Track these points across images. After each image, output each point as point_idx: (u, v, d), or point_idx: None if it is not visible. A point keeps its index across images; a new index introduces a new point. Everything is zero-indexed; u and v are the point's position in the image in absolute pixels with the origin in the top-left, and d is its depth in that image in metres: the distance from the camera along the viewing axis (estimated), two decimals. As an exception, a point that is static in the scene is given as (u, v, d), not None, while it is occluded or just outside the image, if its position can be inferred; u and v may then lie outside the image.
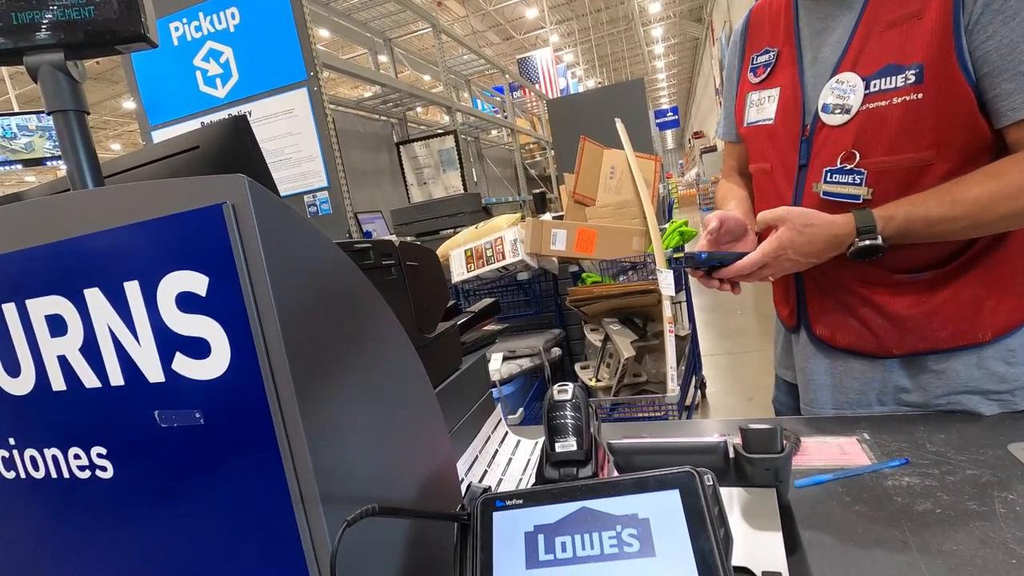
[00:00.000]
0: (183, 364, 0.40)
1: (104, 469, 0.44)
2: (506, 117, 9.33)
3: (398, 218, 3.98)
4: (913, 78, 0.77)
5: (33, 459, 0.46)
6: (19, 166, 5.19)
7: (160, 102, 3.56)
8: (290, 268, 0.40)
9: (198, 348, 0.39)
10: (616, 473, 0.64)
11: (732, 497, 0.66)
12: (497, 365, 2.11)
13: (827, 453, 0.80)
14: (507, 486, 0.83)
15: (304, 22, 3.19)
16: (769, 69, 0.95)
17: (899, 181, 0.81)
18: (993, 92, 0.75)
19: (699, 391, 3.13)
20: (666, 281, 1.96)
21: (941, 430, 0.81)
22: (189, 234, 0.38)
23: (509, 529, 0.46)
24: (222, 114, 3.41)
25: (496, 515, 0.47)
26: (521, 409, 2.14)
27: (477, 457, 0.84)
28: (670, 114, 22.97)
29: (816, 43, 0.89)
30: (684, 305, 2.89)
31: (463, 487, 0.64)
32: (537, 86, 12.21)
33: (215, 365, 0.39)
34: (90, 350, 0.42)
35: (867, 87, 0.80)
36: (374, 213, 4.02)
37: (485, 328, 1.06)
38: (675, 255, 0.90)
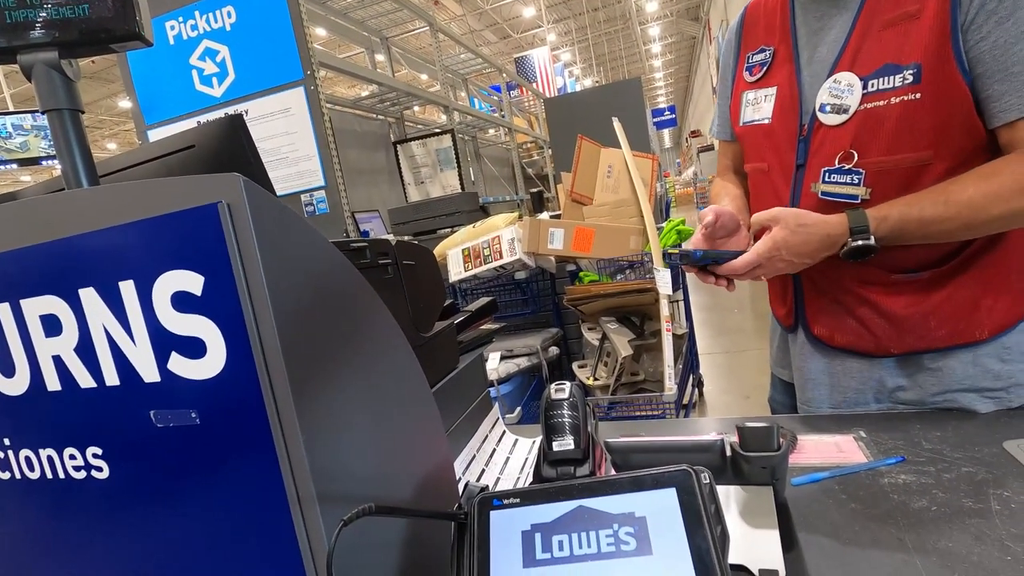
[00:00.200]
0: (179, 364, 0.40)
1: (100, 469, 0.44)
2: (503, 116, 9.33)
3: (395, 217, 3.97)
4: (911, 78, 0.77)
5: (28, 459, 0.46)
6: (14, 165, 5.16)
7: (156, 101, 3.55)
8: (286, 267, 0.40)
9: (194, 348, 0.39)
10: (613, 472, 0.64)
11: (729, 495, 0.67)
12: (494, 364, 2.11)
13: (824, 451, 0.80)
14: (504, 485, 0.83)
15: (300, 21, 3.18)
16: (765, 68, 0.95)
17: (897, 181, 0.81)
18: (985, 93, 0.75)
19: (696, 390, 3.13)
20: (663, 280, 1.96)
21: (937, 428, 0.81)
22: (185, 233, 0.38)
23: (506, 528, 0.46)
24: (218, 113, 3.40)
25: (493, 514, 0.47)
26: (519, 408, 2.14)
27: (475, 456, 0.84)
28: (667, 113, 22.99)
29: (813, 42, 0.89)
30: (681, 304, 2.90)
31: (460, 486, 0.64)
32: (534, 85, 12.20)
33: (211, 365, 0.39)
34: (85, 350, 0.42)
35: (865, 87, 0.80)
36: (371, 212, 4.02)
37: (482, 327, 1.06)
38: (670, 251, 0.90)
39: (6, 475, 0.48)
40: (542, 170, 9.72)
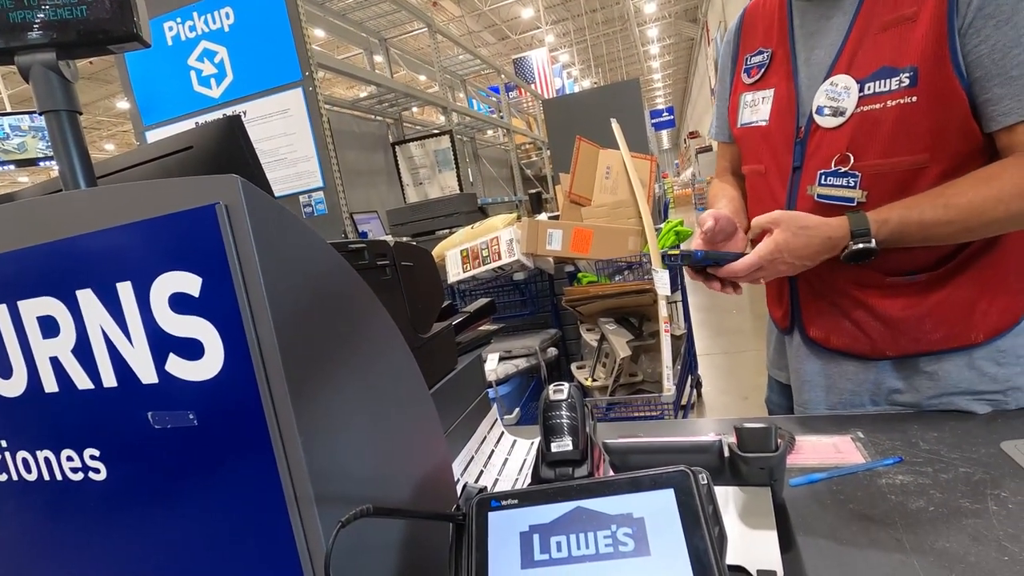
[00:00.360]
0: (176, 365, 0.40)
1: (97, 471, 0.44)
2: (502, 117, 9.34)
3: (394, 218, 3.97)
4: (907, 81, 0.77)
5: (25, 461, 0.46)
6: (12, 166, 5.15)
7: (154, 102, 3.54)
8: (284, 269, 0.40)
9: (191, 349, 0.39)
10: (612, 473, 0.64)
11: (727, 496, 0.67)
12: (493, 365, 2.11)
13: (821, 452, 0.80)
14: (503, 486, 0.83)
15: (299, 22, 3.18)
16: (763, 70, 0.95)
17: (893, 184, 0.81)
18: (984, 96, 0.75)
19: (695, 390, 3.14)
20: (662, 281, 1.96)
21: (934, 428, 0.81)
22: (182, 235, 0.38)
23: (504, 529, 0.46)
24: (216, 114, 3.39)
25: (491, 515, 0.47)
26: (517, 409, 2.14)
27: (473, 457, 0.84)
28: (666, 114, 23.03)
29: (810, 44, 0.89)
30: (680, 305, 2.90)
31: (459, 487, 0.64)
32: (533, 86, 12.21)
33: (209, 366, 0.39)
34: (83, 351, 0.42)
35: (861, 90, 0.80)
36: (370, 213, 4.02)
37: (481, 328, 1.06)
38: (671, 251, 0.90)
39: (3, 477, 0.48)
40: (540, 171, 9.73)
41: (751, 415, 1.38)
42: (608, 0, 16.79)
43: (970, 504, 0.63)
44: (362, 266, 0.66)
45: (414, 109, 6.64)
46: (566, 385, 0.60)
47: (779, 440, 0.62)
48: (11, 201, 0.46)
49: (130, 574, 0.45)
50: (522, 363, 2.18)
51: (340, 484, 0.42)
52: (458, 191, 5.32)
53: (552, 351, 2.40)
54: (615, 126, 2.48)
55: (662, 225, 2.46)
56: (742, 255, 0.84)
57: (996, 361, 0.84)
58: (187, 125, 3.46)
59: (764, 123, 0.94)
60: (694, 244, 0.91)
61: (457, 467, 0.78)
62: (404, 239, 3.52)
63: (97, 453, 0.44)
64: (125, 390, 0.41)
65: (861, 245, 0.78)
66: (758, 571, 0.54)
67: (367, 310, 0.50)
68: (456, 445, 0.81)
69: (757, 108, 0.95)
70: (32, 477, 0.46)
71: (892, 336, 0.88)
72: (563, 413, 0.57)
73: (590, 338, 2.26)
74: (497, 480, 0.85)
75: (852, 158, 0.82)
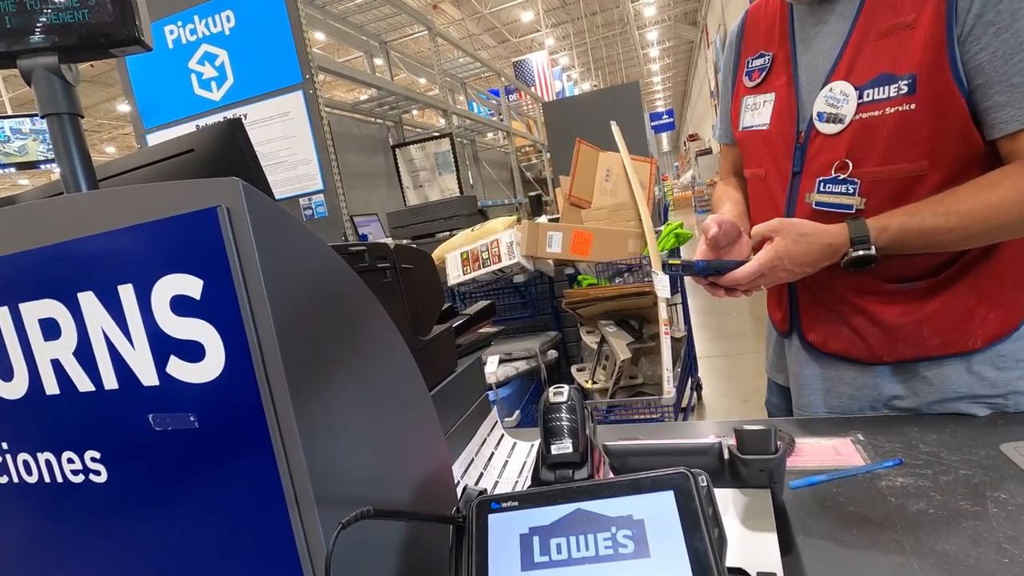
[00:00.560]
0: (177, 367, 0.40)
1: (98, 473, 0.44)
2: (502, 120, 9.35)
3: (394, 221, 3.98)
4: (906, 88, 0.76)
5: (26, 463, 0.46)
6: (12, 169, 5.16)
7: (155, 105, 3.54)
8: (285, 271, 0.40)
9: (192, 351, 0.39)
10: (612, 475, 0.64)
11: (727, 498, 0.67)
12: (493, 368, 2.11)
13: (821, 454, 0.80)
14: (503, 488, 0.83)
15: (299, 25, 3.19)
16: (764, 73, 0.95)
17: (892, 191, 0.81)
18: (986, 104, 0.75)
19: (695, 393, 3.13)
20: (662, 283, 1.96)
21: (934, 430, 0.81)
22: (184, 237, 0.38)
23: (505, 531, 0.46)
24: (217, 117, 3.40)
25: (492, 517, 0.47)
26: (517, 411, 2.14)
27: (473, 459, 0.84)
28: (665, 117, 23.04)
29: (810, 49, 0.89)
30: (680, 307, 2.90)
31: (459, 489, 0.64)
32: (533, 89, 12.23)
33: (210, 368, 0.39)
34: (84, 354, 0.42)
35: (860, 97, 0.80)
36: (370, 216, 4.02)
37: (481, 330, 1.06)
38: (670, 261, 0.90)
39: (4, 479, 0.48)
40: (540, 174, 9.73)
41: (751, 418, 1.38)
42: (608, 3, 16.82)
43: (970, 506, 0.63)
44: (362, 269, 0.66)
45: (414, 112, 6.64)
46: (566, 387, 0.60)
47: (779, 442, 0.62)
48: (12, 204, 0.46)
49: (130, 576, 0.45)
50: (522, 365, 2.18)
51: (340, 486, 0.42)
52: (458, 194, 5.32)
53: (552, 353, 2.40)
54: (615, 129, 2.49)
55: (662, 227, 2.46)
56: (743, 263, 0.84)
57: (996, 366, 0.84)
58: (188, 128, 3.47)
59: (765, 127, 0.94)
60: (698, 251, 0.91)
61: (457, 469, 0.78)
62: (404, 241, 3.53)
63: (98, 455, 0.44)
64: (126, 392, 0.42)
65: (861, 252, 0.78)
66: (758, 573, 0.54)
67: (367, 312, 0.50)
68: (456, 447, 0.82)
69: (758, 112, 0.95)
70: (33, 479, 0.46)
71: (890, 342, 0.87)
72: (563, 415, 0.58)
73: (590, 340, 2.26)
74: (497, 482, 0.85)
75: (851, 165, 0.82)
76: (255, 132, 3.29)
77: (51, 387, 0.44)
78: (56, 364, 0.43)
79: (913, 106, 0.76)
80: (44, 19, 0.47)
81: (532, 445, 0.96)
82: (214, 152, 0.58)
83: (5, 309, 0.44)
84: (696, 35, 19.61)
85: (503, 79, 9.82)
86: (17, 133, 5.05)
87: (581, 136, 2.45)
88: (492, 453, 0.91)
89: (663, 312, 1.98)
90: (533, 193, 5.24)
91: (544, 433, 0.57)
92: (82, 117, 0.50)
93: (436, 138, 5.58)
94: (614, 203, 2.39)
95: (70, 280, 0.41)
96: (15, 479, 0.47)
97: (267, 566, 0.41)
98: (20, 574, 0.49)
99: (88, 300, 0.41)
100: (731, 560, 0.56)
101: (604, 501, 0.46)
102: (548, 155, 8.27)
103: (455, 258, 2.39)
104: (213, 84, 3.41)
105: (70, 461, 0.45)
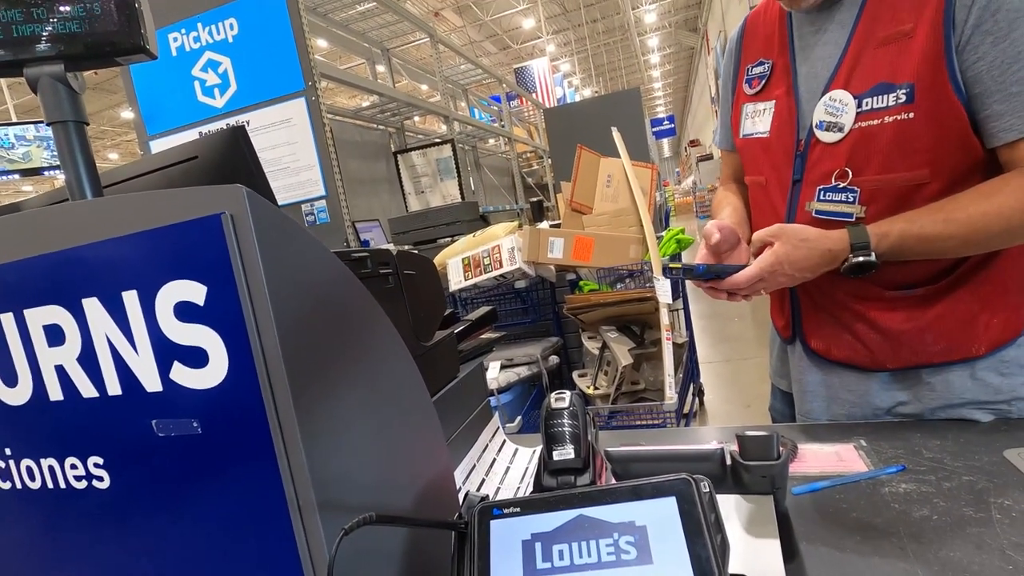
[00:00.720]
0: (181, 373, 0.40)
1: (101, 479, 0.44)
2: (503, 126, 9.38)
3: (396, 227, 3.99)
4: (904, 97, 0.76)
5: (29, 469, 0.46)
6: (16, 176, 5.18)
7: (158, 112, 3.56)
8: (288, 278, 0.40)
9: (196, 357, 0.39)
10: (614, 481, 0.64)
11: (729, 504, 0.66)
12: (495, 373, 2.11)
13: (824, 460, 0.80)
14: (505, 494, 0.83)
15: (302, 32, 3.21)
16: (764, 81, 0.95)
17: (892, 199, 0.81)
18: (984, 112, 0.75)
19: (697, 398, 3.13)
20: (663, 289, 1.96)
21: (937, 436, 0.81)
22: (187, 244, 0.38)
23: (506, 537, 0.46)
24: (220, 124, 3.42)
25: (493, 523, 0.47)
26: (519, 417, 2.14)
27: (475, 465, 0.84)
28: (666, 123, 23.10)
29: (809, 58, 0.89)
30: (681, 312, 2.90)
31: (461, 495, 0.64)
32: (534, 95, 12.28)
33: (213, 374, 0.39)
34: (88, 360, 0.42)
35: (859, 105, 0.80)
36: (372, 222, 4.03)
37: (482, 336, 1.06)
38: (671, 265, 0.90)
39: (7, 485, 0.48)
40: (542, 179, 9.75)
41: (754, 423, 1.37)
42: (609, 10, 16.90)
43: (974, 513, 0.63)
44: (365, 275, 0.66)
45: (416, 118, 6.67)
46: (568, 393, 0.60)
47: (781, 448, 0.62)
48: (17, 211, 0.47)
49: (133, 582, 0.45)
50: (524, 371, 2.18)
51: (343, 492, 0.42)
52: (460, 199, 5.33)
53: (554, 359, 2.39)
54: (616, 134, 2.50)
55: (663, 233, 2.46)
56: (744, 267, 0.85)
57: (999, 372, 0.84)
58: (191, 135, 3.48)
59: (765, 135, 0.94)
60: (699, 256, 0.91)
61: (459, 476, 0.78)
62: (406, 247, 3.53)
63: (101, 461, 0.44)
64: (130, 398, 0.42)
65: (861, 258, 0.78)
66: (761, 580, 0.54)
67: (370, 318, 0.50)
68: (458, 453, 0.81)
69: (758, 119, 0.95)
70: (36, 485, 0.46)
71: (892, 349, 0.87)
72: (565, 421, 0.58)
73: (592, 346, 2.26)
74: (499, 489, 0.85)
75: (851, 173, 0.82)
76: (258, 139, 3.30)
77: (55, 393, 0.44)
78: (60, 370, 0.43)
79: (912, 115, 0.76)
80: (50, 28, 0.47)
81: (534, 451, 0.95)
82: (218, 159, 0.58)
83: (10, 315, 0.44)
84: (697, 41, 19.69)
85: (504, 85, 9.86)
86: (21, 140, 5.08)
87: (582, 142, 2.46)
88: (494, 459, 0.91)
89: (665, 318, 1.98)
90: (534, 199, 5.25)
91: (546, 439, 0.57)
92: (87, 125, 0.51)
93: (438, 144, 5.60)
94: (615, 209, 2.39)
95: (74, 286, 0.42)
96: (18, 485, 0.47)
97: (269, 572, 0.41)
98: (22, 580, 0.49)
99: (92, 306, 0.41)
100: (734, 567, 0.55)
101: (606, 507, 0.46)
102: (549, 161, 8.29)
103: (457, 264, 2.39)
104: (216, 91, 3.42)
105: (73, 467, 0.45)
